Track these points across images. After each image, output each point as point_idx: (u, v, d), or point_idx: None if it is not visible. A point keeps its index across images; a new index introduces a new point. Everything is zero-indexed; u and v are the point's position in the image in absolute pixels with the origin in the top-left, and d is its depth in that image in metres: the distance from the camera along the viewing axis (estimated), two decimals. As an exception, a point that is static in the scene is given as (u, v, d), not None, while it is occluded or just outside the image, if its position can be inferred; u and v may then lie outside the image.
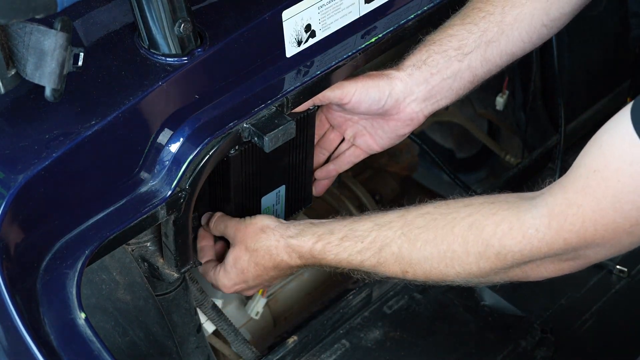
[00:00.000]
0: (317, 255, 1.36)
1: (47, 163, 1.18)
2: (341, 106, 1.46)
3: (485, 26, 1.43)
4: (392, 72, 1.45)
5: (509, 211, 1.22)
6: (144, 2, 1.25)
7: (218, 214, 1.47)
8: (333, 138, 1.56)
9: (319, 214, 1.98)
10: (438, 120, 2.12)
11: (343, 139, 1.56)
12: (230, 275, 1.44)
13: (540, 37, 1.46)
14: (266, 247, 1.39)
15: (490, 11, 1.43)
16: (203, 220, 1.49)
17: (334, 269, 1.39)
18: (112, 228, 1.25)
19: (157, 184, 1.29)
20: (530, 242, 1.20)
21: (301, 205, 1.59)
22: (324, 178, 1.58)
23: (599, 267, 1.78)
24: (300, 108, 1.42)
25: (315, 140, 1.54)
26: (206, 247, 1.50)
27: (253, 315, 1.81)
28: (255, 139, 1.34)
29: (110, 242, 1.25)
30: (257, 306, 1.81)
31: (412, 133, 1.78)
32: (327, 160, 1.58)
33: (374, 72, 1.45)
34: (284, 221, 1.42)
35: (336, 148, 1.57)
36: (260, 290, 1.81)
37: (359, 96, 1.43)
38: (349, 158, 1.56)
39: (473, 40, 1.43)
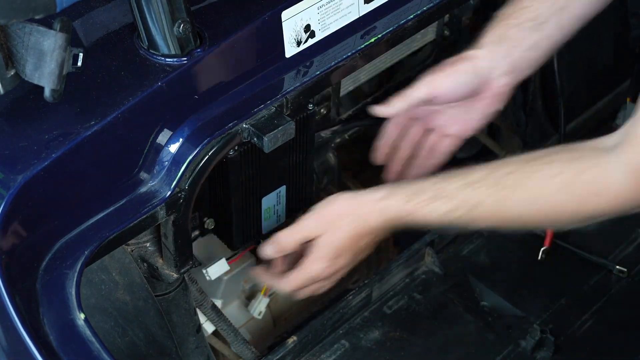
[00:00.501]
0: (407, 216, 1.35)
1: (46, 163, 1.18)
2: (431, 101, 1.45)
3: None
4: (472, 53, 1.44)
5: (597, 169, 1.22)
6: (143, 3, 1.25)
7: (274, 238, 1.43)
8: (416, 131, 1.54)
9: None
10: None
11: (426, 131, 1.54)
12: (322, 256, 1.39)
13: None
14: (358, 214, 1.37)
15: None
16: (265, 253, 1.44)
17: (422, 228, 1.38)
18: (111, 228, 1.25)
19: (157, 184, 1.29)
20: (619, 198, 1.21)
21: (302, 206, 1.59)
22: (420, 174, 1.55)
23: (598, 267, 1.78)
24: (391, 111, 1.43)
25: (394, 136, 1.52)
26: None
27: (256, 315, 1.81)
28: (255, 139, 1.34)
29: (109, 242, 1.25)
30: (260, 306, 1.81)
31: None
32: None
33: (452, 59, 1.44)
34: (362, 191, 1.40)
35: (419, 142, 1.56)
36: (263, 290, 1.81)
37: (448, 86, 1.43)
38: (445, 149, 1.54)
39: (546, 9, 1.43)
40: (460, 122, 1.51)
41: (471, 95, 1.46)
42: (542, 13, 1.44)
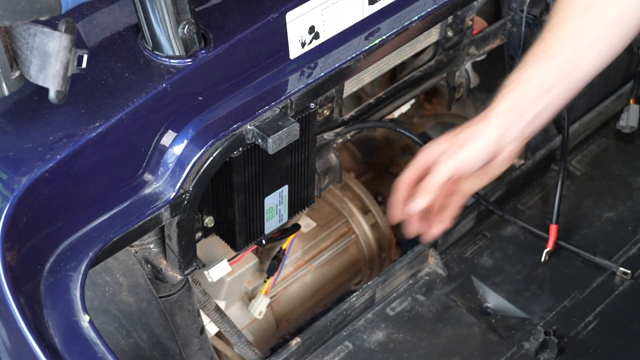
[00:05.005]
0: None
1: (50, 165, 1.18)
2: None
3: (561, 60, 1.46)
4: (483, 125, 1.46)
5: None
6: (147, 4, 1.25)
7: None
8: None
9: (322, 215, 1.98)
10: (440, 120, 2.12)
11: None
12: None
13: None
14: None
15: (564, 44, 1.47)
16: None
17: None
18: (115, 230, 1.25)
19: (161, 185, 1.29)
20: None
21: (304, 205, 1.59)
22: (436, 235, 1.58)
23: (602, 269, 1.78)
24: (419, 207, 1.45)
25: (408, 195, 1.51)
26: None
27: (256, 315, 1.81)
28: (259, 140, 1.34)
29: (113, 244, 1.25)
30: (261, 306, 1.81)
31: (413, 133, 1.78)
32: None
33: (465, 134, 1.46)
34: None
35: None
36: (264, 290, 1.81)
37: (467, 167, 1.46)
38: (457, 203, 1.57)
39: (550, 77, 1.46)
40: (472, 182, 1.54)
41: (486, 163, 1.49)
42: (546, 81, 1.45)
